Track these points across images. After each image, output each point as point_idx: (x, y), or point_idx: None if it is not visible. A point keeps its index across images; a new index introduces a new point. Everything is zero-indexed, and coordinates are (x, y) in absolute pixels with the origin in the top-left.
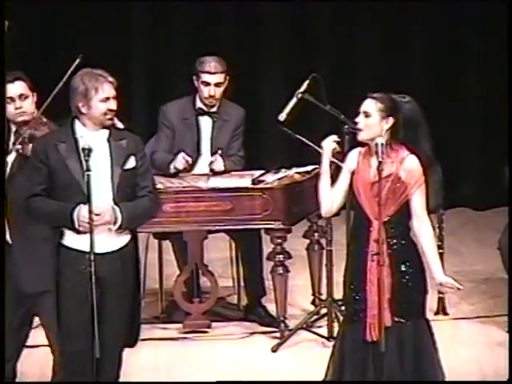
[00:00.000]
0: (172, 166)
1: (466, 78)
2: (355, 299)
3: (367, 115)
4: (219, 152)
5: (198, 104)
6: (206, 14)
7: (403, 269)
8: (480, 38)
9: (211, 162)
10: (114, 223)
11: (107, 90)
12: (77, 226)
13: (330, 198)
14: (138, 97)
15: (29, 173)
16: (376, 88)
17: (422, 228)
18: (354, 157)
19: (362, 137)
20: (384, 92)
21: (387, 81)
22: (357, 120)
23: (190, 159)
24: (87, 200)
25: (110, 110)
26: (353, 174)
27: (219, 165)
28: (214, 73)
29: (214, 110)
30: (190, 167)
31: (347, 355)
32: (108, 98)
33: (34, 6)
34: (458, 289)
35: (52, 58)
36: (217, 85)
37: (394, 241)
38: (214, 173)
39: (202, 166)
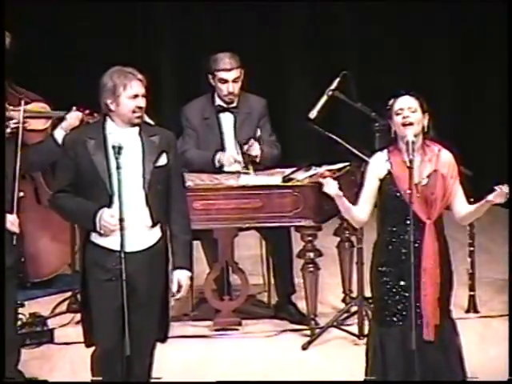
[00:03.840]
0: (217, 161)
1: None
2: (401, 300)
3: (413, 111)
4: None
5: (217, 101)
6: (233, 12)
7: (443, 268)
8: (480, 38)
9: (248, 148)
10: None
11: (136, 86)
12: (98, 229)
13: (358, 212)
14: (167, 94)
15: (58, 168)
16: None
17: (463, 209)
18: (381, 162)
19: (410, 133)
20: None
21: (411, 80)
22: (405, 115)
23: (237, 157)
24: (118, 198)
25: (139, 108)
26: (383, 179)
27: (256, 149)
28: (230, 69)
29: (234, 105)
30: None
31: (390, 356)
32: (136, 96)
33: (34, 6)
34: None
35: (52, 58)
36: (234, 81)
37: (440, 240)
38: (252, 161)
39: (227, 163)
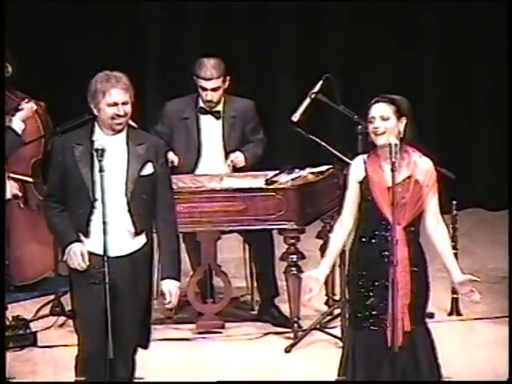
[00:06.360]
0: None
1: (474, 79)
2: (372, 303)
3: (385, 119)
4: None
5: (201, 103)
6: (219, 13)
7: (415, 274)
8: (480, 38)
9: (233, 161)
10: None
11: (115, 94)
12: (65, 259)
13: (345, 228)
14: (152, 95)
15: (48, 171)
16: (387, 88)
17: (439, 228)
18: (359, 166)
19: (382, 141)
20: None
21: (397, 81)
22: (376, 125)
23: (175, 158)
24: (101, 201)
25: (118, 116)
26: (361, 182)
27: (241, 162)
28: (210, 79)
29: (219, 108)
30: (182, 165)
31: (359, 359)
32: (116, 104)
33: (34, 6)
34: (476, 280)
35: (52, 57)
36: (214, 89)
37: (412, 246)
38: (234, 169)
39: (203, 167)
